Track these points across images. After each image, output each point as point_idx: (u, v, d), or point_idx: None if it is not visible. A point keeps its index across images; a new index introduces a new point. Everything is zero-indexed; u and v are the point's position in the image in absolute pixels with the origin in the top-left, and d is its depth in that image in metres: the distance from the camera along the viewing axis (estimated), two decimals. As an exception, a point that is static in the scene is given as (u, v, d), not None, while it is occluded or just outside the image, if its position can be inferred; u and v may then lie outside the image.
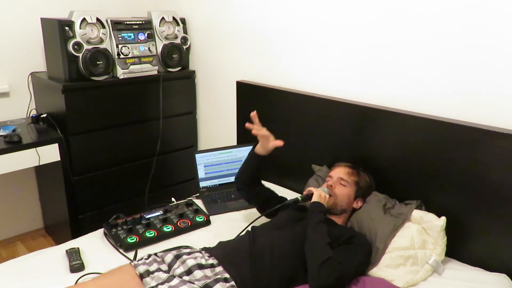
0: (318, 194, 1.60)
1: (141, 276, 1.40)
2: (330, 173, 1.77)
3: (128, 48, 2.38)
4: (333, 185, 1.70)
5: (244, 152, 2.26)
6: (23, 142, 2.13)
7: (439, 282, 1.53)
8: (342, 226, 1.68)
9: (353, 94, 1.96)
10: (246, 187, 1.82)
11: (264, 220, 1.86)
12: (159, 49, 2.54)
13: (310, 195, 1.62)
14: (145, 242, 1.72)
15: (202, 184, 2.20)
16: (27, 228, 2.81)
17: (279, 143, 1.68)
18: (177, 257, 1.48)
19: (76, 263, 1.54)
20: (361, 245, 1.57)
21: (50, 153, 2.22)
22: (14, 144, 2.09)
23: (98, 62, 2.26)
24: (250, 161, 1.80)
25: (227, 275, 1.41)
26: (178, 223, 1.85)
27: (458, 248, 1.64)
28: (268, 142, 1.69)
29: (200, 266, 1.43)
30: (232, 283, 1.38)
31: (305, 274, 1.46)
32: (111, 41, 2.34)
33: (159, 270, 1.42)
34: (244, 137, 2.48)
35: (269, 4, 2.22)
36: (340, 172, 1.74)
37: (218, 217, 1.97)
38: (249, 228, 1.66)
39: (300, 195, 1.68)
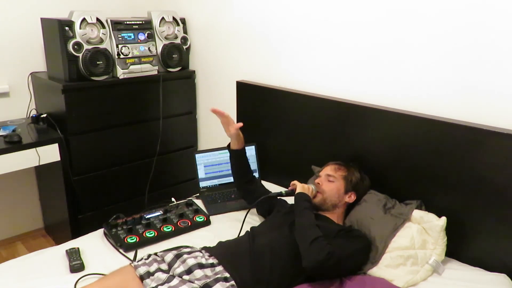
0: (301, 186, 1.67)
1: (142, 278, 1.40)
2: (320, 173, 1.80)
3: (128, 48, 2.38)
4: (321, 182, 1.73)
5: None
6: (23, 142, 2.13)
7: (439, 282, 1.53)
8: (338, 224, 1.69)
9: (354, 94, 1.96)
10: (243, 185, 1.93)
11: (262, 220, 1.86)
12: (159, 49, 2.54)
13: (295, 189, 1.67)
14: (145, 242, 1.72)
15: (202, 184, 2.20)
16: (27, 228, 2.81)
17: (239, 124, 1.83)
18: (177, 256, 1.48)
19: (76, 263, 1.54)
20: (357, 236, 1.58)
21: (50, 153, 2.21)
22: (14, 144, 2.09)
23: (98, 62, 2.26)
24: (231, 160, 1.95)
25: (227, 275, 1.41)
26: (178, 223, 1.85)
27: (458, 248, 1.64)
28: (230, 126, 1.82)
29: (200, 266, 1.43)
30: (232, 282, 1.38)
31: (304, 274, 1.46)
32: (111, 41, 2.34)
33: (159, 270, 1.43)
34: (244, 137, 2.47)
35: (269, 4, 2.22)
36: (327, 169, 1.78)
37: (218, 217, 1.97)
38: (248, 229, 1.67)
39: (285, 189, 1.75)
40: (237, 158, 1.92)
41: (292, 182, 1.71)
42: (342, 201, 1.71)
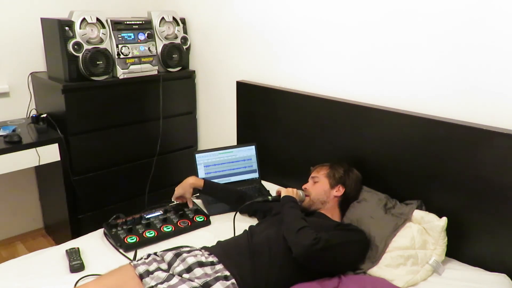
0: (286, 190, 1.73)
1: (141, 277, 1.40)
2: (308, 179, 1.85)
3: (128, 48, 2.38)
4: (307, 187, 1.79)
5: (244, 152, 2.27)
6: (23, 142, 2.13)
7: (439, 282, 1.53)
8: (336, 220, 1.72)
9: (353, 94, 1.96)
10: (237, 205, 1.92)
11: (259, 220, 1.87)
12: (159, 49, 2.54)
13: (280, 195, 1.73)
14: (145, 242, 1.72)
15: (202, 184, 2.19)
16: (27, 228, 2.81)
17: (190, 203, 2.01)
18: (177, 255, 1.49)
19: (76, 263, 1.54)
20: (354, 230, 1.60)
21: (50, 153, 2.21)
22: (14, 144, 2.09)
23: (98, 62, 2.26)
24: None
25: (227, 273, 1.41)
26: (178, 223, 1.85)
27: (458, 248, 1.64)
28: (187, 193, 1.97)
29: (200, 264, 1.44)
30: (233, 280, 1.39)
31: (303, 271, 1.47)
32: (111, 41, 2.34)
33: (158, 269, 1.43)
34: (244, 137, 2.48)
35: (269, 4, 2.22)
36: (312, 173, 1.84)
37: (218, 217, 1.97)
38: (246, 228, 1.68)
39: (271, 196, 1.82)
40: (208, 191, 2.00)
41: (277, 189, 1.78)
42: (330, 196, 1.74)
